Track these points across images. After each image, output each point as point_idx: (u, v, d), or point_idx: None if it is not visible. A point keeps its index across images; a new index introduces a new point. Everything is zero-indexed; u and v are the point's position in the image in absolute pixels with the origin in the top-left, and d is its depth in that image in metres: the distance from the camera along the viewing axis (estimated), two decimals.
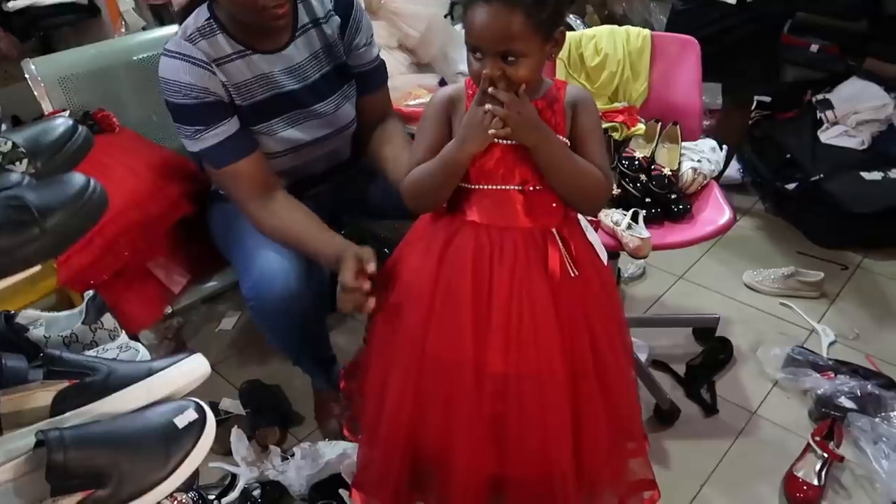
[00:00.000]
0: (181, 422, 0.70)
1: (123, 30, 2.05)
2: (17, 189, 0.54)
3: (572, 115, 1.13)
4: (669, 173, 1.64)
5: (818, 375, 1.81)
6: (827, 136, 2.52)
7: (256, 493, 1.58)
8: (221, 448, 1.66)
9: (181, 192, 1.63)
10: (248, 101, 1.42)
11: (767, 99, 2.77)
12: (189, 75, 1.35)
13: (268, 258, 1.43)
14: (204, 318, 2.17)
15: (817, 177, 2.37)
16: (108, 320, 0.87)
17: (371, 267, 1.27)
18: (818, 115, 2.57)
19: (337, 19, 1.50)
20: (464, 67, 2.39)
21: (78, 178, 0.56)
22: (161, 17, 2.21)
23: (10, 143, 0.65)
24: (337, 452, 1.60)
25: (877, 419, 1.66)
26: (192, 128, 1.38)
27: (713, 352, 1.94)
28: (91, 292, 0.86)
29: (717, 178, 1.77)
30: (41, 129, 0.68)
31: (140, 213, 1.54)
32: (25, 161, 0.65)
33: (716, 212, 1.62)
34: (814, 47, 2.63)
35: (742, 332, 2.04)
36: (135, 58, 1.84)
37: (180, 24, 1.44)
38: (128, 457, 0.66)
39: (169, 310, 1.64)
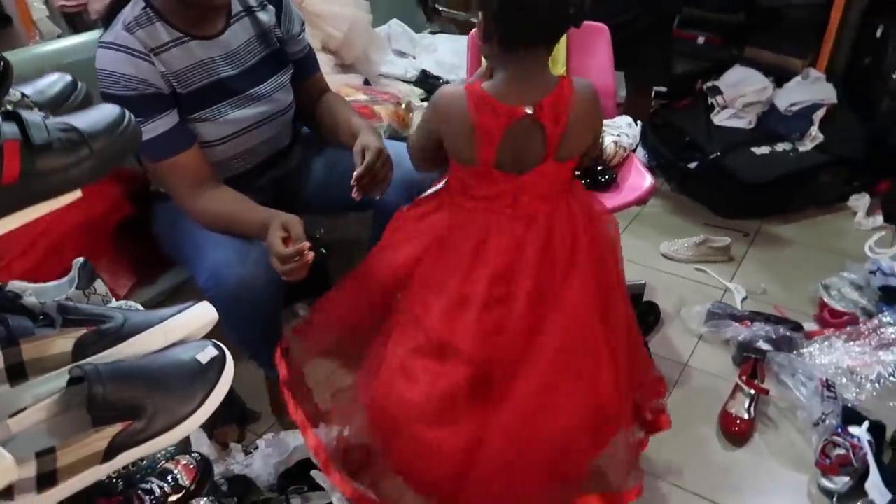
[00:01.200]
0: (203, 358, 0.73)
1: (38, 38, 1.99)
2: (65, 116, 0.56)
3: None
4: None
5: (737, 325, 1.99)
6: (719, 118, 2.77)
7: (224, 488, 1.56)
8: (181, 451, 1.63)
9: (122, 192, 1.62)
10: (188, 89, 1.44)
11: (664, 89, 3.02)
12: (129, 66, 1.35)
13: (222, 246, 1.44)
14: None
15: (714, 154, 2.60)
16: (101, 286, 0.87)
17: (297, 230, 1.35)
18: (709, 100, 2.82)
19: (272, 8, 1.56)
20: (386, 69, 2.51)
21: (113, 108, 0.59)
22: (75, 24, 2.15)
23: (19, 93, 0.66)
24: (302, 439, 1.61)
25: (792, 356, 1.85)
26: (136, 119, 1.38)
27: (643, 315, 2.09)
28: (81, 259, 0.87)
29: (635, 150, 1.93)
30: (46, 83, 0.70)
31: (81, 213, 1.52)
32: (35, 110, 0.67)
33: (639, 178, 1.78)
34: (700, 39, 2.90)
35: (665, 297, 2.21)
36: (49, 68, 1.80)
37: (105, 25, 1.44)
38: (160, 391, 0.68)
39: None
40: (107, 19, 1.44)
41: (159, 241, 1.64)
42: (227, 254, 1.43)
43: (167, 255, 1.66)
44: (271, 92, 1.56)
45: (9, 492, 0.59)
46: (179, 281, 1.72)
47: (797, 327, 2.00)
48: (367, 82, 2.39)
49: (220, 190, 1.47)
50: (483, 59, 1.29)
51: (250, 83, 1.52)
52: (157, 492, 0.91)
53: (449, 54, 2.59)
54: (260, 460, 1.59)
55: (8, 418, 0.62)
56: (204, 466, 0.98)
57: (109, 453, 0.64)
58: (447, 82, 2.48)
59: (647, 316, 2.10)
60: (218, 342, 0.76)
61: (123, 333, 0.72)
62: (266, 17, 1.55)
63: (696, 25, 2.90)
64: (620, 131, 1.86)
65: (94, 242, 1.55)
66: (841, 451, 1.58)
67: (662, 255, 2.43)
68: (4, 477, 0.50)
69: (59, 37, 2.03)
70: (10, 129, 0.51)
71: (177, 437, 0.70)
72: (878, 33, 2.59)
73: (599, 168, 1.77)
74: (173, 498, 0.92)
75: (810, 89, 2.69)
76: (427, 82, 2.49)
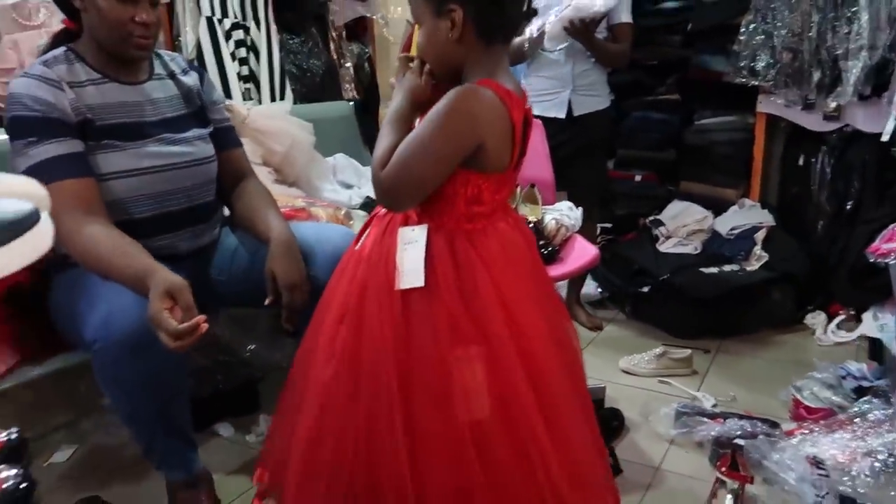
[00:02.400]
0: (10, 212, 0.57)
1: None
2: None
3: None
4: (535, 220, 1.73)
5: (710, 421, 1.80)
6: (665, 247, 2.79)
7: None
8: None
9: None
10: (103, 122, 1.41)
11: (609, 225, 3.07)
12: (38, 90, 1.35)
13: (119, 296, 1.28)
14: (33, 452, 1.80)
15: (664, 276, 2.57)
16: None
17: (186, 298, 1.20)
18: (654, 232, 2.86)
19: (195, 74, 1.60)
20: (328, 196, 2.51)
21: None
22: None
23: None
24: None
25: (774, 438, 1.64)
26: (26, 140, 1.33)
27: (605, 420, 1.88)
28: None
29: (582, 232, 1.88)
30: None
31: None
32: None
33: (583, 251, 1.71)
34: (637, 177, 3.01)
35: (629, 407, 2.01)
36: None
37: None
38: None
39: None
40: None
41: (53, 313, 1.46)
42: (123, 301, 1.26)
43: (60, 333, 1.47)
44: (191, 139, 1.52)
45: None
46: (67, 365, 1.50)
47: (774, 425, 1.81)
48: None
49: (105, 226, 1.35)
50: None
51: (169, 130, 1.49)
52: None
53: None
54: None
55: None
56: (17, 445, 0.73)
57: None
58: None
59: (611, 421, 1.89)
60: (41, 211, 0.60)
61: None
62: (189, 80, 1.58)
63: (631, 164, 3.03)
64: (561, 213, 1.82)
65: None
66: None
67: (622, 370, 2.27)
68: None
69: None
70: None
71: None
72: (801, 161, 2.73)
73: (541, 242, 1.69)
74: None
75: (748, 215, 2.77)
76: (371, 206, 2.48)
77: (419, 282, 1.00)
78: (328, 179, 2.56)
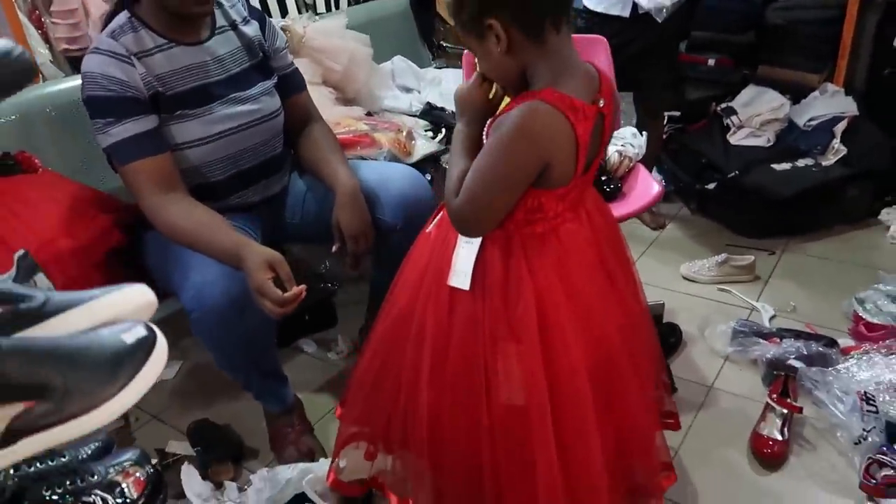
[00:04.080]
0: (129, 338, 0.66)
1: (42, 82, 2.03)
2: None
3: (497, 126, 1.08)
4: None
5: (765, 342, 1.86)
6: (736, 138, 2.69)
7: None
8: (174, 491, 1.55)
9: (112, 221, 1.59)
10: (173, 91, 1.46)
11: (677, 114, 2.95)
12: (109, 68, 1.40)
13: (209, 265, 1.40)
14: None
15: (733, 173, 2.51)
16: (42, 280, 0.82)
17: (286, 269, 1.30)
18: (725, 121, 2.74)
19: (255, 23, 1.59)
20: (389, 104, 2.50)
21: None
22: (78, 67, 2.19)
23: None
24: (297, 473, 1.51)
25: (827, 370, 1.70)
26: (104, 120, 1.40)
27: (663, 337, 1.96)
28: (22, 251, 0.82)
29: (644, 162, 1.85)
30: None
31: (71, 241, 1.49)
32: None
33: (646, 187, 1.70)
34: (710, 62, 2.84)
35: (687, 319, 2.08)
36: (50, 109, 1.82)
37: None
38: (73, 369, 0.61)
39: None
40: (103, 29, 1.50)
41: (150, 272, 1.60)
42: (213, 272, 1.39)
43: (157, 287, 1.62)
44: (258, 95, 1.57)
45: None
46: (169, 312, 1.67)
47: (831, 343, 1.85)
48: (368, 114, 2.37)
49: (188, 201, 1.45)
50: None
51: (236, 88, 1.53)
52: None
53: (454, 86, 2.56)
54: (253, 496, 1.49)
55: None
56: (156, 479, 0.89)
57: (9, 437, 0.57)
58: (453, 113, 2.45)
59: (668, 337, 1.97)
60: (150, 324, 0.69)
61: (44, 313, 0.66)
62: (250, 30, 1.58)
63: (705, 48, 2.84)
64: (625, 141, 1.79)
65: (83, 270, 1.51)
66: (888, 472, 1.42)
67: (683, 276, 2.31)
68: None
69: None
70: None
71: (95, 423, 0.62)
72: (895, 43, 2.50)
73: (604, 178, 1.69)
74: None
75: (829, 103, 2.60)
76: (432, 114, 2.47)
77: (465, 285, 1.07)
78: (387, 87, 2.55)
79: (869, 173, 2.45)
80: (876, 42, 2.61)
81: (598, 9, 2.27)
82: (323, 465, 1.52)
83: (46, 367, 0.60)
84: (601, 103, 1.06)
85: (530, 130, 0.99)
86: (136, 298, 0.72)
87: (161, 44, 1.45)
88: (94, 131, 1.44)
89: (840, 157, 2.48)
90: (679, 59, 2.78)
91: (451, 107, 2.48)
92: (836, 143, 2.50)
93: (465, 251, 1.09)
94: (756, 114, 2.69)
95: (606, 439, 1.13)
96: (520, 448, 1.09)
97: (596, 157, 1.12)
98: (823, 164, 2.49)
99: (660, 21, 2.19)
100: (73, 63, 2.20)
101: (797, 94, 2.69)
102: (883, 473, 1.42)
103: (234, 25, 1.56)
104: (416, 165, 2.11)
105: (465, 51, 1.43)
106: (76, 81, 1.95)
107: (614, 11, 2.21)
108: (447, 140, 2.28)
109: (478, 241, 1.09)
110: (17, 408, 0.58)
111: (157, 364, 0.67)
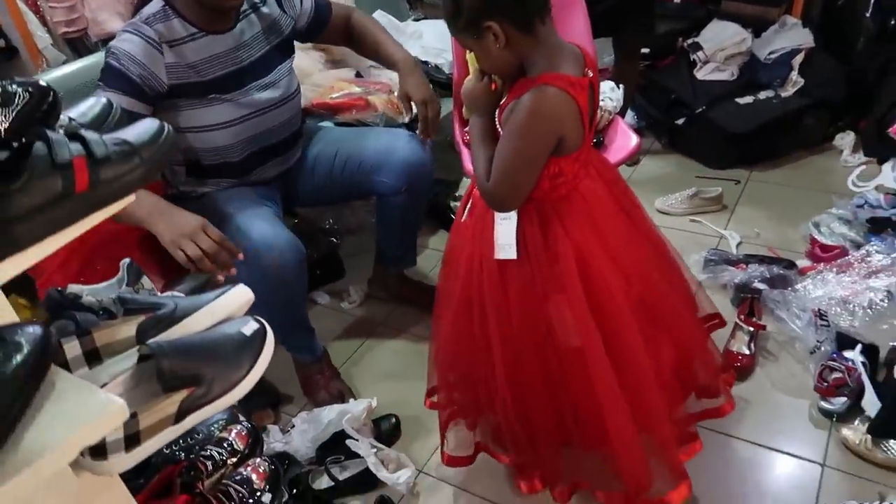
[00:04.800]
0: (248, 331, 0.84)
1: (45, 66, 2.10)
2: (116, 132, 0.67)
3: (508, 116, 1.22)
4: None
5: (733, 269, 2.10)
6: (702, 73, 2.85)
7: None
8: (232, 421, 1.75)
9: None
10: (207, 78, 1.58)
11: (647, 50, 3.08)
12: (138, 48, 1.50)
13: (252, 234, 1.56)
14: None
15: (700, 109, 2.70)
16: (147, 282, 0.99)
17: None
18: (691, 57, 2.90)
19: (274, 1, 1.70)
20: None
21: (153, 122, 0.69)
22: (78, 49, 2.26)
23: (66, 118, 0.77)
24: (335, 413, 1.73)
25: (786, 291, 1.95)
26: (106, 83, 1.51)
27: None
28: (128, 259, 0.98)
29: (621, 113, 2.01)
30: (87, 106, 0.80)
31: (111, 222, 1.62)
32: (82, 130, 0.78)
33: (624, 139, 1.87)
34: None
35: None
36: (59, 93, 1.90)
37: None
38: (214, 361, 0.79)
39: None
40: (133, 14, 1.60)
41: None
42: (257, 241, 1.55)
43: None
44: (279, 79, 1.71)
45: (102, 452, 0.70)
46: (205, 278, 1.83)
47: (790, 265, 2.10)
48: (358, 74, 2.48)
49: None
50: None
51: (261, 71, 1.67)
52: (217, 457, 1.03)
53: (434, 39, 2.67)
54: (298, 436, 1.71)
55: None
56: (254, 432, 1.09)
57: (180, 415, 0.76)
58: (436, 66, 2.57)
59: None
60: (258, 317, 0.87)
61: (177, 317, 0.83)
62: (268, 10, 1.69)
63: None
64: (604, 95, 1.95)
65: (123, 250, 1.65)
66: (837, 375, 1.68)
67: (658, 210, 2.52)
68: (120, 417, 0.61)
69: (64, 62, 2.14)
70: (77, 147, 0.62)
71: (232, 400, 0.81)
72: None
73: None
74: (231, 460, 1.04)
75: (788, 36, 2.77)
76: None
77: (512, 255, 1.24)
78: None
79: (824, 102, 2.65)
80: None
81: None
82: (357, 404, 1.74)
83: (197, 361, 0.78)
84: (590, 74, 1.23)
85: (543, 111, 1.14)
86: (241, 297, 0.89)
87: (193, 33, 1.56)
88: (96, 86, 1.54)
89: (798, 88, 2.67)
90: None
91: (433, 60, 2.59)
92: (795, 74, 2.68)
93: (505, 226, 1.25)
94: (720, 48, 2.84)
95: (663, 356, 1.35)
96: (585, 381, 1.29)
97: (593, 120, 1.28)
98: (783, 95, 2.69)
99: None
100: (72, 45, 2.25)
101: (758, 27, 2.84)
102: (833, 377, 1.68)
103: (255, 7, 1.67)
104: (408, 124, 2.25)
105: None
106: (81, 64, 2.04)
107: None
108: None
109: (514, 215, 1.25)
110: (183, 394, 0.76)
111: (269, 350, 0.85)
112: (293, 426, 1.75)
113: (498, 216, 1.26)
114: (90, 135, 0.64)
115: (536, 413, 1.36)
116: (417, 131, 1.79)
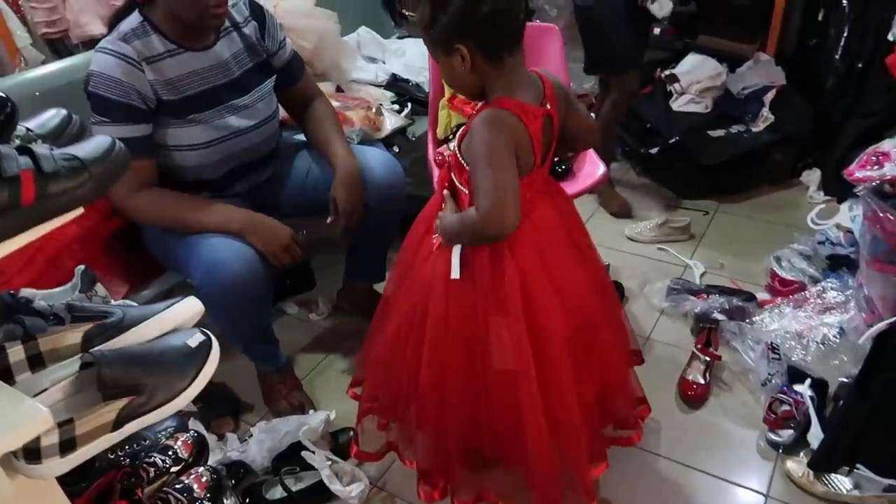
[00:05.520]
0: (193, 343, 0.86)
1: (23, 65, 2.11)
2: (67, 148, 0.69)
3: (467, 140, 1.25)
4: None
5: (694, 298, 2.14)
6: (677, 104, 2.92)
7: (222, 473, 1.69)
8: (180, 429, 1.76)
9: (111, 205, 1.74)
10: (181, 95, 1.59)
11: None
12: (119, 71, 1.50)
13: (215, 245, 1.57)
14: None
15: (673, 139, 2.75)
16: (100, 289, 1.01)
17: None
18: (668, 88, 2.97)
19: (254, 23, 1.71)
20: (356, 75, 2.64)
21: (105, 139, 0.72)
22: (58, 50, 2.27)
23: (24, 128, 0.79)
24: (293, 424, 1.74)
25: (743, 323, 1.99)
26: (101, 117, 1.53)
27: None
28: (82, 266, 1.00)
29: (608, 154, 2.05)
30: (46, 117, 0.83)
31: (76, 226, 1.65)
32: (39, 142, 0.80)
33: (592, 167, 1.92)
34: (656, 30, 3.03)
35: (629, 276, 2.35)
36: (37, 93, 1.92)
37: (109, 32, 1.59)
38: (157, 371, 0.82)
39: None
40: (110, 28, 1.60)
41: (150, 249, 1.77)
42: (221, 253, 1.56)
43: (157, 262, 1.80)
44: (255, 102, 1.71)
45: (37, 456, 0.72)
46: (170, 285, 1.85)
47: (750, 297, 2.15)
48: (339, 89, 2.52)
49: (162, 189, 1.63)
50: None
51: (237, 93, 1.67)
52: (160, 464, 1.04)
53: (417, 58, 2.72)
54: (254, 446, 1.72)
55: (32, 398, 0.75)
56: (200, 441, 1.11)
57: (118, 423, 0.78)
58: (416, 84, 2.62)
59: None
60: (205, 329, 0.89)
61: (124, 326, 0.85)
62: (250, 31, 1.70)
63: (652, 17, 3.02)
64: None
65: (89, 253, 1.67)
66: (786, 408, 1.73)
67: (627, 237, 2.57)
68: (43, 425, 0.63)
69: (42, 62, 2.15)
70: (25, 160, 0.65)
71: (173, 409, 0.83)
72: (820, 17, 2.74)
73: (556, 159, 1.90)
74: (174, 469, 1.06)
75: (761, 72, 2.84)
76: (397, 85, 2.63)
77: (456, 275, 1.28)
78: (355, 59, 2.68)
79: (792, 138, 2.72)
80: (804, 15, 2.84)
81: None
82: (315, 416, 1.76)
83: (139, 370, 0.80)
84: (547, 105, 1.27)
85: (496, 121, 1.19)
86: (191, 310, 0.91)
87: (171, 49, 1.56)
88: (92, 122, 1.55)
89: (768, 123, 2.74)
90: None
91: (414, 78, 2.64)
92: (766, 110, 2.76)
93: (455, 250, 1.29)
94: (696, 81, 2.91)
95: (587, 386, 1.39)
96: (512, 401, 1.32)
97: (549, 150, 1.32)
98: (753, 130, 2.76)
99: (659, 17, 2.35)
100: (52, 46, 2.27)
101: (734, 62, 2.92)
102: (782, 409, 1.72)
103: (236, 26, 1.68)
104: (385, 139, 2.29)
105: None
106: (60, 65, 2.06)
107: None
108: (412, 113, 2.46)
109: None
110: (122, 402, 0.78)
111: (214, 361, 0.87)
112: (251, 435, 1.76)
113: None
114: (40, 149, 0.66)
115: (453, 421, 1.38)
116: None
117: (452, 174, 1.32)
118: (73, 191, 0.67)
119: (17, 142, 0.75)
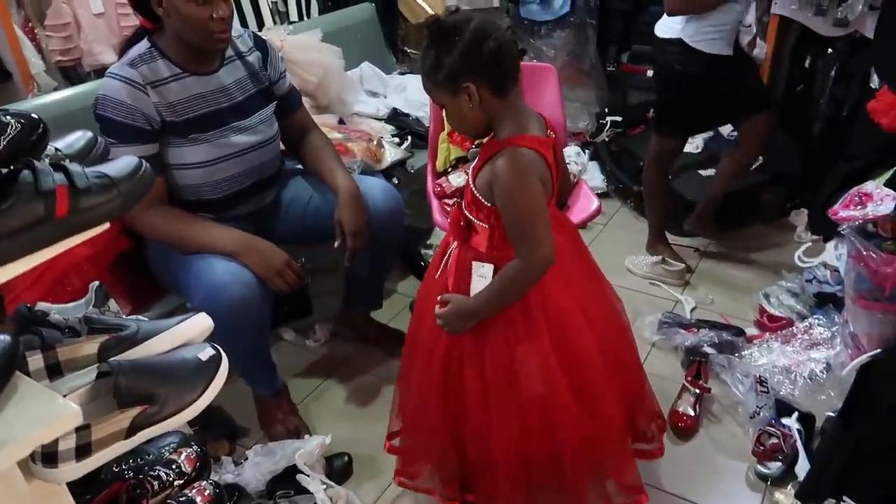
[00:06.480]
0: (203, 356, 0.90)
1: (36, 91, 2.17)
2: (98, 166, 0.74)
3: (490, 191, 1.27)
4: None
5: (685, 332, 2.18)
6: None
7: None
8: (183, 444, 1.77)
9: (118, 228, 1.79)
10: (183, 117, 1.65)
11: (619, 119, 3.25)
12: (125, 94, 1.58)
13: (216, 269, 1.61)
14: None
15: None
16: (113, 305, 1.04)
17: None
18: None
19: (258, 53, 1.80)
20: (358, 108, 2.72)
21: (132, 159, 0.77)
22: (70, 77, 2.34)
23: (53, 148, 0.84)
24: (289, 448, 1.76)
25: (732, 357, 2.04)
26: (109, 139, 1.56)
27: None
28: (97, 282, 1.04)
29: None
30: (73, 138, 0.87)
31: (85, 247, 1.68)
32: (67, 161, 0.85)
33: (587, 202, 1.98)
34: (649, 72, 3.13)
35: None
36: (49, 118, 1.97)
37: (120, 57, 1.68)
38: (169, 382, 0.85)
39: None
40: (121, 54, 1.69)
41: (155, 272, 1.81)
42: (222, 277, 1.60)
43: (161, 284, 1.83)
44: (257, 124, 1.78)
45: (54, 460, 0.75)
46: (172, 307, 1.88)
47: (739, 332, 2.19)
48: (341, 121, 2.59)
49: (162, 207, 1.68)
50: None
51: (239, 116, 1.74)
52: (164, 477, 1.07)
53: (417, 93, 2.79)
54: (250, 469, 1.73)
55: None
56: (203, 456, 1.13)
57: (131, 430, 0.81)
58: (417, 119, 2.69)
59: None
60: (215, 345, 0.93)
61: (138, 338, 0.89)
62: (253, 60, 1.79)
63: (644, 59, 3.14)
64: (569, 159, 2.06)
65: (96, 273, 1.71)
66: (774, 440, 1.76)
67: (626, 267, 2.62)
68: (74, 421, 0.66)
69: (55, 89, 2.21)
70: (60, 176, 0.69)
71: (184, 420, 0.86)
72: (807, 63, 2.84)
73: None
74: (178, 482, 1.08)
75: None
76: (397, 119, 2.70)
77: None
78: (357, 92, 2.76)
79: (781, 179, 2.80)
80: (792, 61, 2.94)
81: (701, 48, 2.22)
82: (311, 441, 1.78)
83: (153, 380, 0.83)
84: (552, 135, 1.33)
85: (525, 165, 1.22)
86: (201, 325, 0.95)
87: (176, 73, 1.64)
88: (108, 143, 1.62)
89: (757, 164, 2.82)
90: (621, 69, 3.06)
91: (415, 113, 2.72)
92: None
93: (480, 284, 1.32)
94: None
95: (619, 398, 1.44)
96: (547, 428, 1.36)
97: (559, 177, 1.37)
98: None
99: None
100: (64, 73, 2.34)
101: None
102: (770, 441, 1.76)
103: (240, 55, 1.76)
104: (385, 171, 2.35)
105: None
106: (71, 91, 2.12)
107: (724, 51, 2.24)
108: (412, 146, 2.53)
109: (489, 275, 1.31)
110: (136, 410, 0.81)
111: (223, 375, 0.91)
112: (246, 458, 1.78)
113: (474, 272, 1.33)
114: (74, 167, 0.71)
115: (501, 456, 1.40)
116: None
117: (467, 211, 1.35)
118: (103, 206, 0.71)
119: (47, 160, 0.80)
